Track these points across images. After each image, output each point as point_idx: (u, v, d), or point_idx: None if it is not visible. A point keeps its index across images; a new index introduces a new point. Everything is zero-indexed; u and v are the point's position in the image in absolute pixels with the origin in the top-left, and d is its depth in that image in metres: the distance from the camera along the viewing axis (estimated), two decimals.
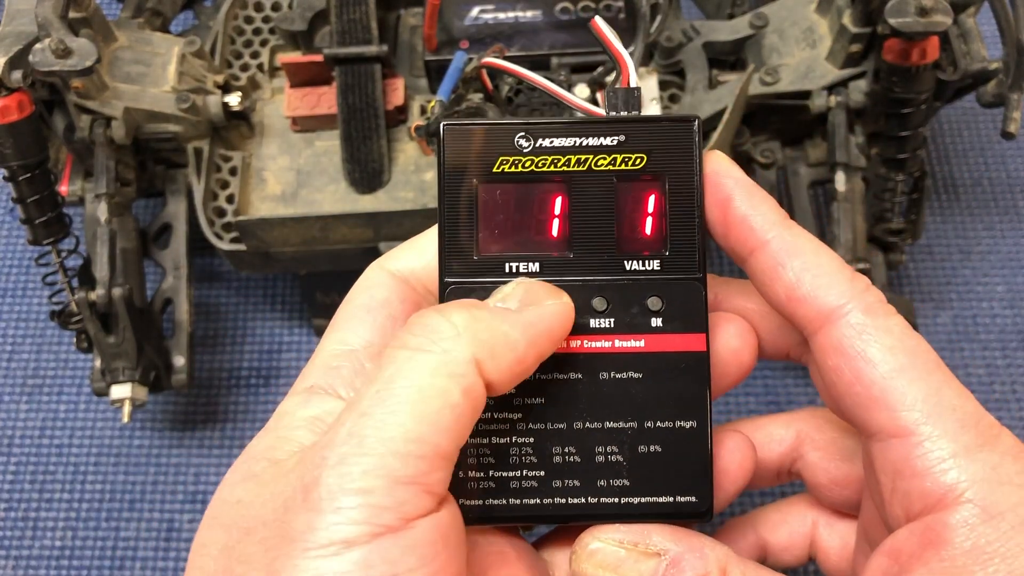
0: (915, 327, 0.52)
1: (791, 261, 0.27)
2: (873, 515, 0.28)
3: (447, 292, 0.28)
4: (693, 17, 0.63)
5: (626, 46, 0.31)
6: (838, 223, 0.52)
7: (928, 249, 0.66)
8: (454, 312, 0.25)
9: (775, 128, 0.57)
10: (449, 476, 0.24)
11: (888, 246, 0.55)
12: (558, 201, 0.28)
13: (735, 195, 0.28)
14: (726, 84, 0.54)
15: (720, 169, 0.28)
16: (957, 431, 0.25)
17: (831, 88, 0.54)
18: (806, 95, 0.54)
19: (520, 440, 0.28)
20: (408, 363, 0.24)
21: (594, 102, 0.51)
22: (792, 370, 0.62)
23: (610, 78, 0.51)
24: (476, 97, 0.52)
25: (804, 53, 0.54)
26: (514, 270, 0.28)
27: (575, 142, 0.28)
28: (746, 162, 0.59)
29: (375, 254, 0.54)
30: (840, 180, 0.53)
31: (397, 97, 0.54)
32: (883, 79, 0.50)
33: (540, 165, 0.28)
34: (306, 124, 0.55)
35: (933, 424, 0.25)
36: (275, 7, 0.59)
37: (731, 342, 0.30)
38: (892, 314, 0.26)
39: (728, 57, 0.56)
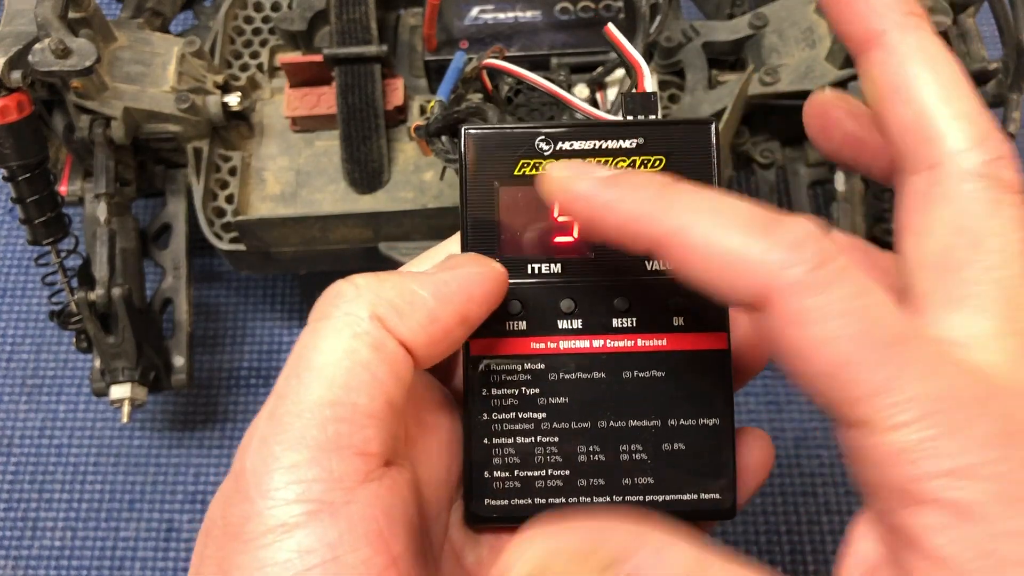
0: None
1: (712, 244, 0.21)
2: None
3: None
4: (693, 17, 0.63)
5: None
6: (838, 223, 0.52)
7: None
8: (359, 277, 0.24)
9: (775, 128, 0.57)
10: (383, 437, 0.23)
11: (888, 246, 0.55)
12: None
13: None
14: (726, 84, 0.54)
15: None
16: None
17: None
18: (806, 95, 0.54)
19: (545, 440, 0.28)
20: (313, 335, 0.23)
21: (593, 102, 0.51)
22: None
23: (610, 78, 0.51)
24: (476, 97, 0.52)
25: (804, 53, 0.54)
26: (536, 271, 0.28)
27: (594, 145, 0.28)
28: (746, 162, 0.59)
29: (375, 254, 0.54)
30: (840, 180, 0.53)
31: (397, 97, 0.54)
32: None
33: None
34: (306, 124, 0.55)
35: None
36: (275, 7, 0.59)
37: (749, 337, 0.29)
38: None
39: (728, 57, 0.56)
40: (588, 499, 0.28)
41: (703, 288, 0.21)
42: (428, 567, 0.25)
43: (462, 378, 0.28)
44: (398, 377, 0.23)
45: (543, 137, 0.29)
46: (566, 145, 0.29)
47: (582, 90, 0.51)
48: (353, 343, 0.23)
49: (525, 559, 0.21)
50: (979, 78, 0.51)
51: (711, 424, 0.28)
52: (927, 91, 0.21)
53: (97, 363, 0.53)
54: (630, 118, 0.30)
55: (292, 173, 0.54)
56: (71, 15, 0.49)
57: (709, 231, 0.21)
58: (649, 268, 0.28)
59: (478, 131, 0.29)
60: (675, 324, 0.28)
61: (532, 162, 0.29)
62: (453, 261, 0.27)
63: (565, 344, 0.28)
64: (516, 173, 0.29)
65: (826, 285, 0.19)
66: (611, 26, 0.31)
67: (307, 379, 0.23)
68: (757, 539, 0.56)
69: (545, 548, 0.21)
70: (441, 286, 0.25)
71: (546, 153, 0.29)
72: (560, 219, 0.29)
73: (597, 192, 0.23)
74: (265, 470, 0.22)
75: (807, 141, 0.58)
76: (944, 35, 0.50)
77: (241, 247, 0.53)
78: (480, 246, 0.28)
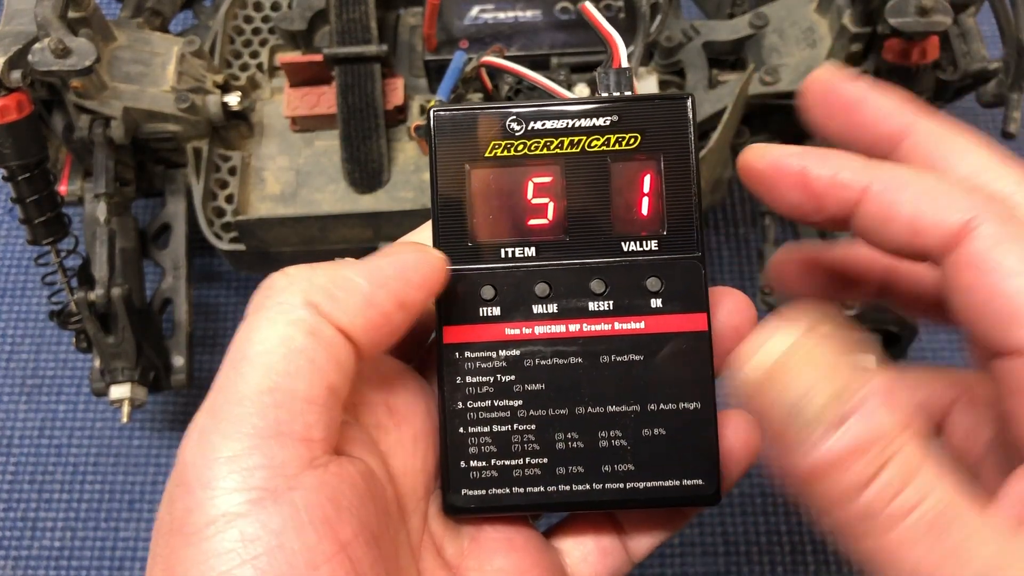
0: (914, 329, 0.52)
1: (901, 196, 0.24)
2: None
3: None
4: (693, 17, 0.63)
5: (626, 46, 0.31)
6: None
7: None
8: (292, 268, 0.24)
9: (775, 128, 0.57)
10: (326, 423, 0.23)
11: None
12: (552, 184, 0.28)
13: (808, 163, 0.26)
14: (726, 84, 0.54)
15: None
16: None
17: None
18: None
19: (522, 427, 0.28)
20: (248, 327, 0.23)
21: None
22: None
23: None
24: (476, 97, 0.52)
25: (804, 53, 0.54)
26: (510, 255, 0.28)
27: (567, 124, 0.28)
28: None
29: None
30: None
31: (397, 97, 0.54)
32: (883, 79, 0.50)
33: (533, 148, 0.28)
34: (305, 124, 0.55)
35: None
36: (275, 7, 0.59)
37: (731, 319, 0.29)
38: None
39: (728, 57, 0.56)
40: (567, 487, 0.27)
41: (898, 236, 0.24)
42: (397, 557, 0.25)
43: (436, 366, 0.28)
44: (338, 363, 0.23)
45: (514, 117, 0.28)
46: (538, 125, 0.28)
47: (582, 90, 0.51)
48: (288, 330, 0.23)
49: (799, 313, 0.22)
50: (979, 78, 0.51)
51: (692, 408, 0.27)
52: (971, 157, 0.25)
53: (97, 363, 0.53)
54: (604, 95, 0.29)
55: (292, 173, 0.54)
56: (71, 15, 0.49)
57: (916, 180, 0.24)
58: (625, 249, 0.28)
59: (447, 112, 0.28)
60: (653, 306, 0.28)
61: (503, 143, 0.28)
62: (389, 249, 0.26)
63: (540, 329, 0.28)
64: (487, 155, 0.28)
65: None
66: (587, 4, 0.31)
67: (244, 369, 0.23)
68: (757, 539, 0.56)
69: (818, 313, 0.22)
70: (375, 271, 0.25)
71: (517, 133, 0.28)
72: (534, 201, 0.28)
73: (804, 157, 0.25)
74: (205, 462, 0.22)
75: (808, 141, 0.58)
76: (944, 35, 0.50)
77: (241, 247, 0.53)
78: (451, 231, 0.28)
